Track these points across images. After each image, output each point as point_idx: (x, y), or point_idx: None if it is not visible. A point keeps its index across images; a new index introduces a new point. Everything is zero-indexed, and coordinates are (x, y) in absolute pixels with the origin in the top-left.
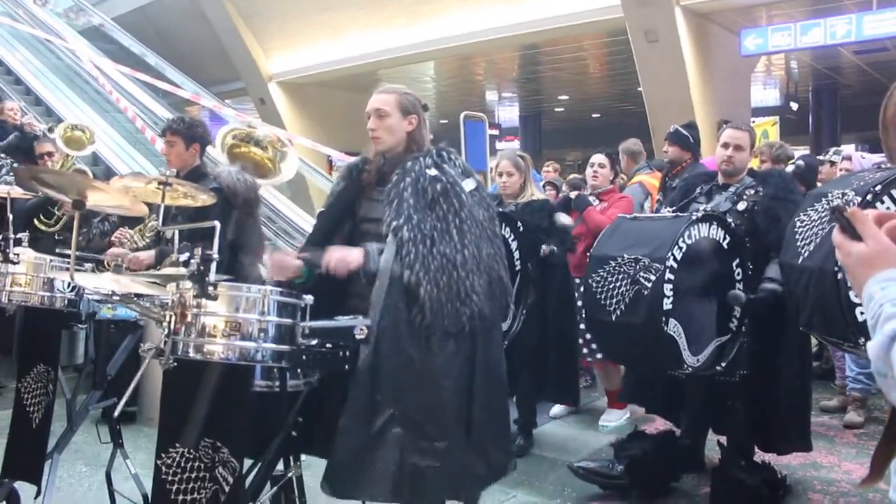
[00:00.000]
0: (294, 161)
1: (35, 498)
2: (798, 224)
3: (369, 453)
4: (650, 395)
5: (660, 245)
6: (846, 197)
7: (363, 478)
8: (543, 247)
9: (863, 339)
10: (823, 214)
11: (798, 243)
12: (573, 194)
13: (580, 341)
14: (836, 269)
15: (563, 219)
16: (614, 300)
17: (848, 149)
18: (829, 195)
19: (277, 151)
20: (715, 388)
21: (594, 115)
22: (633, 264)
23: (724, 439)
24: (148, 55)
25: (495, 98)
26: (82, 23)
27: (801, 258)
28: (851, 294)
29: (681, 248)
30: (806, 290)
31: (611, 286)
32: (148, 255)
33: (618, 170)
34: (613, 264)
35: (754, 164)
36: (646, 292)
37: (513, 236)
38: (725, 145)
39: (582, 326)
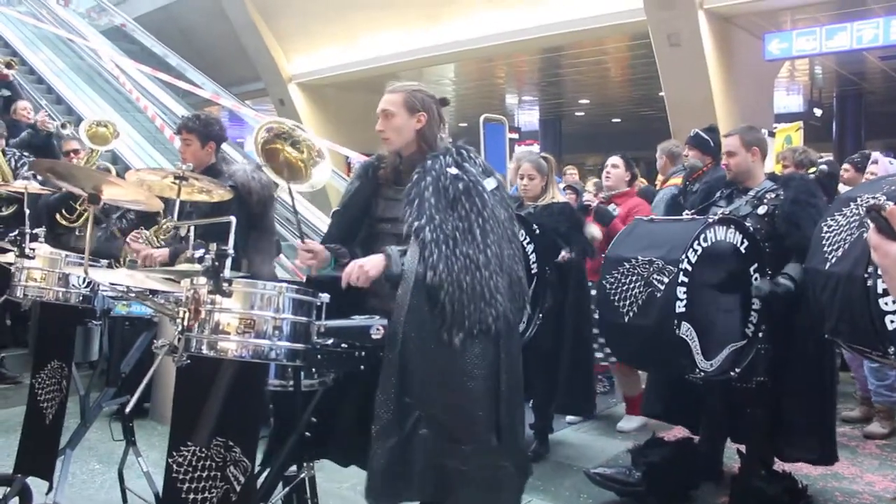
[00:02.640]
0: (326, 172)
1: (47, 493)
2: (825, 229)
3: (401, 456)
4: (671, 405)
5: (674, 247)
6: (877, 202)
7: (399, 481)
8: (563, 253)
9: (892, 349)
10: (852, 219)
11: (825, 248)
12: (587, 201)
13: (594, 346)
14: (865, 275)
15: (594, 231)
16: (627, 302)
17: (875, 154)
18: (859, 199)
19: (312, 157)
20: (733, 395)
21: (615, 120)
22: (647, 266)
23: (743, 447)
24: (169, 55)
25: (515, 101)
26: (104, 23)
27: (828, 264)
28: (881, 301)
29: (696, 251)
30: (833, 296)
31: (624, 288)
32: (161, 253)
33: (635, 173)
34: (628, 266)
35: (777, 168)
36: (658, 294)
37: (528, 239)
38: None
39: (596, 330)
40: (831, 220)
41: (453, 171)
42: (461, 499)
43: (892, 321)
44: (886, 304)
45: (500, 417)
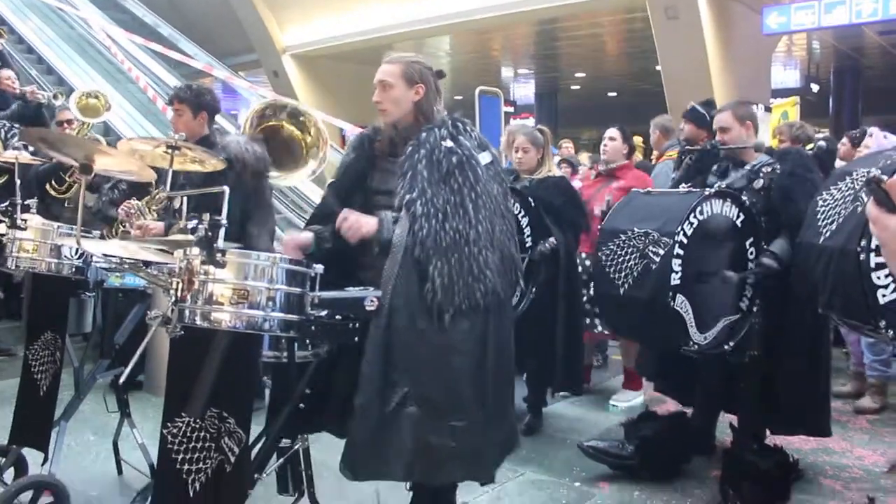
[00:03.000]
0: (309, 170)
1: (42, 465)
2: (820, 203)
3: (385, 433)
4: (664, 377)
5: (670, 219)
6: (876, 174)
7: (380, 458)
8: (550, 240)
9: (884, 322)
10: (847, 194)
11: (819, 222)
12: (583, 180)
13: (588, 321)
14: (858, 249)
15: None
16: (623, 274)
17: (871, 128)
18: (854, 174)
19: (318, 146)
20: (727, 369)
21: (610, 94)
22: (643, 238)
23: (735, 421)
24: (161, 25)
25: (511, 75)
26: None
27: (822, 237)
28: (874, 276)
29: (691, 224)
30: (826, 270)
31: (620, 260)
32: (157, 226)
33: (633, 145)
34: (623, 238)
35: (774, 144)
36: (654, 266)
37: (523, 212)
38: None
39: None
40: (826, 193)
41: (448, 143)
42: (444, 474)
43: (883, 295)
44: (879, 278)
45: (488, 392)
